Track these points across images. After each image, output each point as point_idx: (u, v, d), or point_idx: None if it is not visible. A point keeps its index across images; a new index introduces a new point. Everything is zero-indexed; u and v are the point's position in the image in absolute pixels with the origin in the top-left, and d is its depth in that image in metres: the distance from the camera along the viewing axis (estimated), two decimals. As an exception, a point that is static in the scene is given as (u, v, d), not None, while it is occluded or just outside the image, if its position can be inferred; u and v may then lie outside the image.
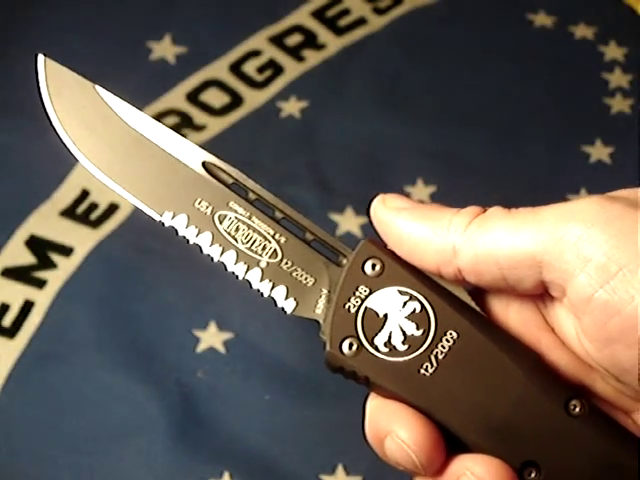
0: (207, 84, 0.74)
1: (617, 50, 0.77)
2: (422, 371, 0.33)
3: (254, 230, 0.35)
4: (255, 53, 0.76)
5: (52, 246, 0.63)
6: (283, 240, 0.35)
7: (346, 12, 0.79)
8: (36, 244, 0.63)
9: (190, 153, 0.36)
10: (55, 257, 0.63)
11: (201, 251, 0.35)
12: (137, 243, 0.63)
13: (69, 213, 0.65)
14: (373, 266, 0.34)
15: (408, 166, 0.69)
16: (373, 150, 0.70)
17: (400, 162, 0.70)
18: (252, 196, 0.36)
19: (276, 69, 0.75)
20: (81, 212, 0.65)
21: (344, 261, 0.35)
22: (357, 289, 0.34)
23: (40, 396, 0.57)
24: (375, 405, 0.35)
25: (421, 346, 0.33)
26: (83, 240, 0.64)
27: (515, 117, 0.73)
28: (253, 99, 0.73)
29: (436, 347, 0.33)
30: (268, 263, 0.35)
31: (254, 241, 0.35)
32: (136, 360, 0.58)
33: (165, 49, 0.75)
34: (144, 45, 0.76)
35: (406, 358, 0.33)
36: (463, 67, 0.76)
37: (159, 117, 0.71)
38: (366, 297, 0.34)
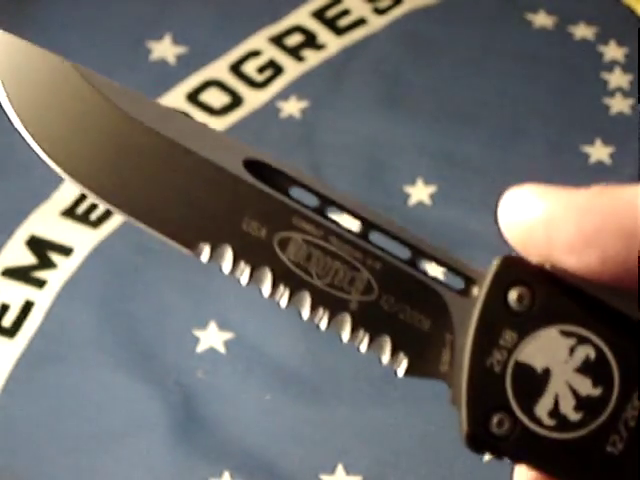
0: (207, 84, 0.74)
1: (617, 50, 0.77)
2: (609, 448, 0.23)
3: (334, 256, 0.25)
4: (255, 53, 0.76)
5: (52, 246, 0.63)
6: (378, 266, 0.25)
7: (346, 12, 0.79)
8: (36, 244, 0.63)
9: (225, 149, 0.25)
10: (55, 257, 0.63)
11: (261, 294, 0.25)
12: (137, 243, 0.63)
13: (69, 213, 0.65)
14: (520, 297, 0.23)
15: (408, 166, 0.69)
16: (373, 150, 0.70)
17: (400, 162, 0.70)
18: (323, 204, 0.25)
19: (276, 69, 0.75)
20: (81, 212, 0.65)
21: (474, 290, 0.24)
22: (501, 334, 0.23)
23: (40, 396, 0.57)
24: None
25: (603, 411, 0.23)
26: (83, 240, 0.64)
27: (515, 117, 0.73)
28: (253, 99, 0.73)
29: (624, 410, 0.23)
30: (360, 303, 0.25)
31: (336, 272, 0.25)
32: (136, 360, 0.58)
33: (165, 49, 0.75)
34: (144, 45, 0.76)
35: (583, 432, 0.23)
36: (463, 67, 0.76)
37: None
38: (515, 346, 0.23)
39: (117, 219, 0.65)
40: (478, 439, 0.24)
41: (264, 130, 0.71)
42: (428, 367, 0.25)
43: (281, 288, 0.25)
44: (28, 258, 0.63)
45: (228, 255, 0.25)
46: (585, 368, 0.23)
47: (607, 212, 0.22)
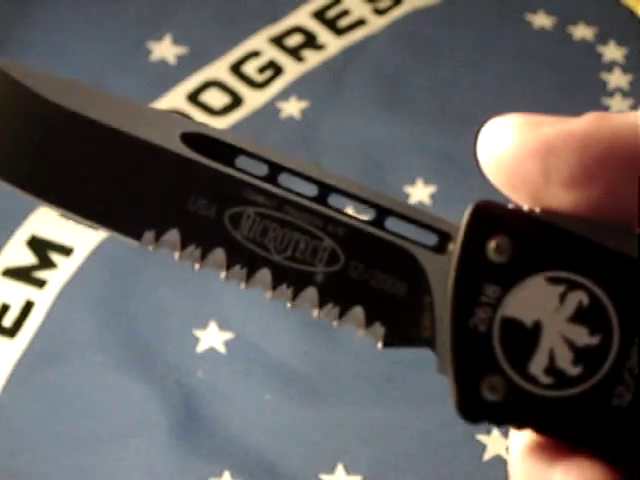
0: (207, 84, 0.74)
1: (616, 51, 0.77)
2: (616, 401, 0.20)
3: (292, 226, 0.22)
4: (255, 53, 0.76)
5: (52, 246, 0.63)
6: (341, 232, 0.22)
7: (346, 13, 0.79)
8: (36, 244, 0.63)
9: (159, 125, 0.22)
10: (55, 257, 0.63)
11: (218, 277, 0.23)
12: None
13: (69, 213, 0.65)
14: (499, 246, 0.21)
15: (408, 166, 0.69)
16: (373, 150, 0.70)
17: (400, 162, 0.70)
18: (273, 172, 0.22)
19: (276, 69, 0.75)
20: (81, 212, 0.65)
21: (449, 245, 0.22)
22: (482, 290, 0.21)
23: (40, 396, 0.57)
24: (532, 448, 0.22)
25: (605, 361, 0.21)
26: (84, 240, 0.64)
27: (515, 117, 0.73)
28: (253, 99, 0.73)
29: (628, 357, 0.21)
30: (327, 274, 0.22)
31: (296, 244, 0.22)
32: (136, 360, 0.58)
33: (165, 49, 0.75)
34: (144, 45, 0.76)
35: (585, 387, 0.21)
36: (463, 67, 0.76)
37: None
38: (499, 301, 0.21)
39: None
40: (471, 408, 0.21)
41: (264, 130, 0.71)
42: (408, 335, 0.22)
43: (237, 268, 0.23)
44: (28, 258, 0.63)
45: (175, 239, 0.23)
46: (579, 316, 0.21)
47: (611, 139, 0.20)
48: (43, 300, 0.61)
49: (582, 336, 0.21)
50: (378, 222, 0.23)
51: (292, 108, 0.72)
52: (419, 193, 0.67)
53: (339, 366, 0.58)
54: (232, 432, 0.56)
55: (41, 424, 0.56)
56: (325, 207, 0.23)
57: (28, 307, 0.61)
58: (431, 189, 0.68)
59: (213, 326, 0.60)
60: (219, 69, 0.75)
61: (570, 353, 0.21)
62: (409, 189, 0.68)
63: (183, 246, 0.23)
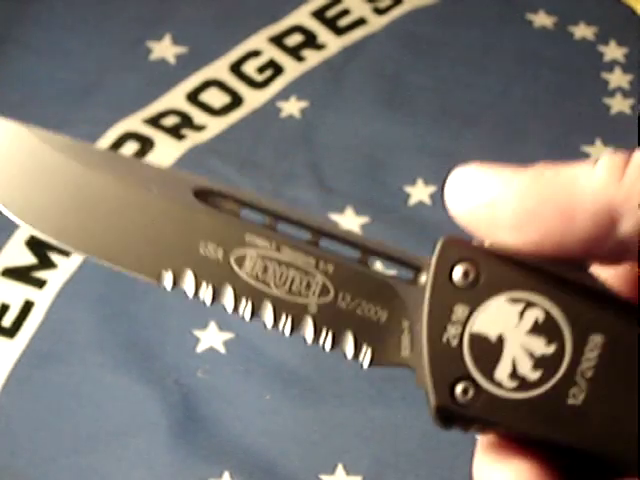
0: (207, 84, 0.74)
1: (617, 50, 0.77)
2: (570, 400, 0.24)
3: (288, 265, 0.26)
4: (255, 53, 0.76)
5: (52, 246, 0.63)
6: (331, 269, 0.26)
7: (346, 12, 0.79)
8: (36, 244, 0.63)
9: (174, 183, 0.26)
10: (55, 257, 0.63)
11: (225, 310, 0.27)
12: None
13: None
14: (465, 273, 0.25)
15: (408, 166, 0.69)
16: (373, 150, 0.70)
17: (400, 162, 0.70)
18: (272, 219, 0.27)
19: (276, 69, 0.75)
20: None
21: (422, 277, 0.26)
22: (452, 311, 0.25)
23: (40, 396, 0.57)
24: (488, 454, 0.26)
25: (559, 367, 0.24)
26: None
27: (515, 117, 0.73)
28: (253, 99, 0.73)
29: (580, 363, 0.24)
30: (319, 306, 0.26)
31: (292, 280, 0.26)
32: (136, 360, 0.58)
33: (165, 49, 0.75)
34: (144, 45, 0.76)
35: (544, 388, 0.24)
36: (463, 67, 0.76)
37: (159, 117, 0.71)
38: (467, 319, 0.25)
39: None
40: (446, 410, 0.25)
41: (264, 130, 0.71)
42: (391, 355, 0.26)
43: (243, 302, 0.26)
44: (28, 258, 0.63)
45: (190, 279, 0.27)
46: (536, 329, 0.25)
47: (545, 193, 0.23)
48: (43, 300, 0.61)
49: (539, 346, 0.25)
50: (362, 260, 0.26)
51: (292, 108, 0.72)
52: (419, 193, 0.67)
53: (339, 366, 0.58)
54: (232, 432, 0.56)
55: (41, 424, 0.56)
56: (316, 249, 0.26)
57: (28, 307, 0.61)
58: (431, 189, 0.68)
59: (213, 326, 0.60)
60: (219, 69, 0.75)
61: (530, 361, 0.25)
62: (409, 189, 0.68)
63: (196, 284, 0.27)
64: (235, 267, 0.26)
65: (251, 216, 0.27)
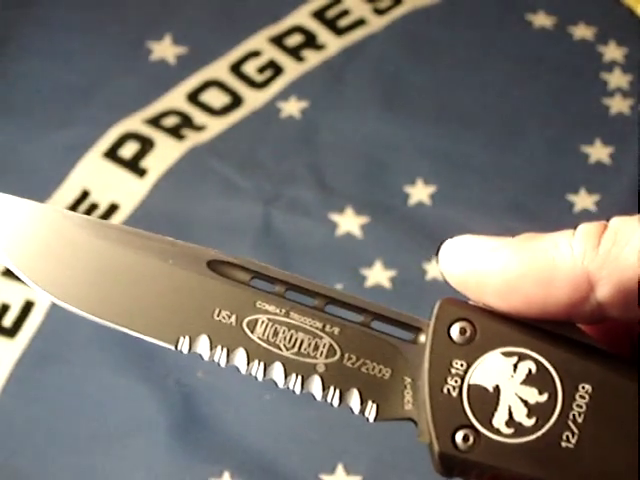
0: (207, 84, 0.74)
1: (616, 50, 0.77)
2: (564, 443, 0.26)
3: (297, 329, 0.28)
4: (255, 53, 0.76)
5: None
6: (337, 331, 0.28)
7: (346, 12, 0.79)
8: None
9: (188, 255, 0.29)
10: (55, 257, 0.63)
11: (239, 371, 0.28)
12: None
13: (69, 213, 0.65)
14: (462, 331, 0.27)
15: (408, 166, 0.69)
16: (373, 150, 0.70)
17: (400, 162, 0.70)
18: (280, 287, 0.29)
19: (276, 69, 0.75)
20: (81, 212, 0.65)
21: (421, 336, 0.28)
22: (451, 366, 0.27)
23: (40, 396, 0.57)
24: None
25: (552, 413, 0.26)
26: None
27: (515, 117, 0.73)
28: (253, 99, 0.73)
29: (571, 409, 0.26)
30: (327, 365, 0.28)
31: (301, 342, 0.28)
32: (136, 360, 0.58)
33: (165, 49, 0.76)
34: (144, 45, 0.76)
35: (539, 433, 0.26)
36: (463, 67, 0.76)
37: (159, 117, 0.71)
38: (465, 372, 0.27)
39: (117, 219, 0.65)
40: (449, 456, 0.27)
41: (264, 130, 0.71)
42: (394, 409, 0.28)
43: (255, 363, 0.28)
44: (28, 258, 0.63)
45: (205, 343, 0.29)
46: (529, 380, 0.27)
47: (526, 265, 0.26)
48: (43, 300, 0.61)
49: (533, 395, 0.27)
50: (366, 323, 0.28)
51: (292, 108, 0.73)
52: (419, 193, 0.67)
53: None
54: (232, 432, 0.56)
55: (41, 424, 0.56)
56: (323, 313, 0.28)
57: (28, 307, 0.61)
58: (431, 189, 0.68)
59: (213, 326, 0.60)
60: (219, 69, 0.75)
61: (525, 409, 0.26)
62: (409, 189, 0.68)
63: (211, 348, 0.29)
64: (247, 331, 0.28)
65: (261, 284, 0.29)
